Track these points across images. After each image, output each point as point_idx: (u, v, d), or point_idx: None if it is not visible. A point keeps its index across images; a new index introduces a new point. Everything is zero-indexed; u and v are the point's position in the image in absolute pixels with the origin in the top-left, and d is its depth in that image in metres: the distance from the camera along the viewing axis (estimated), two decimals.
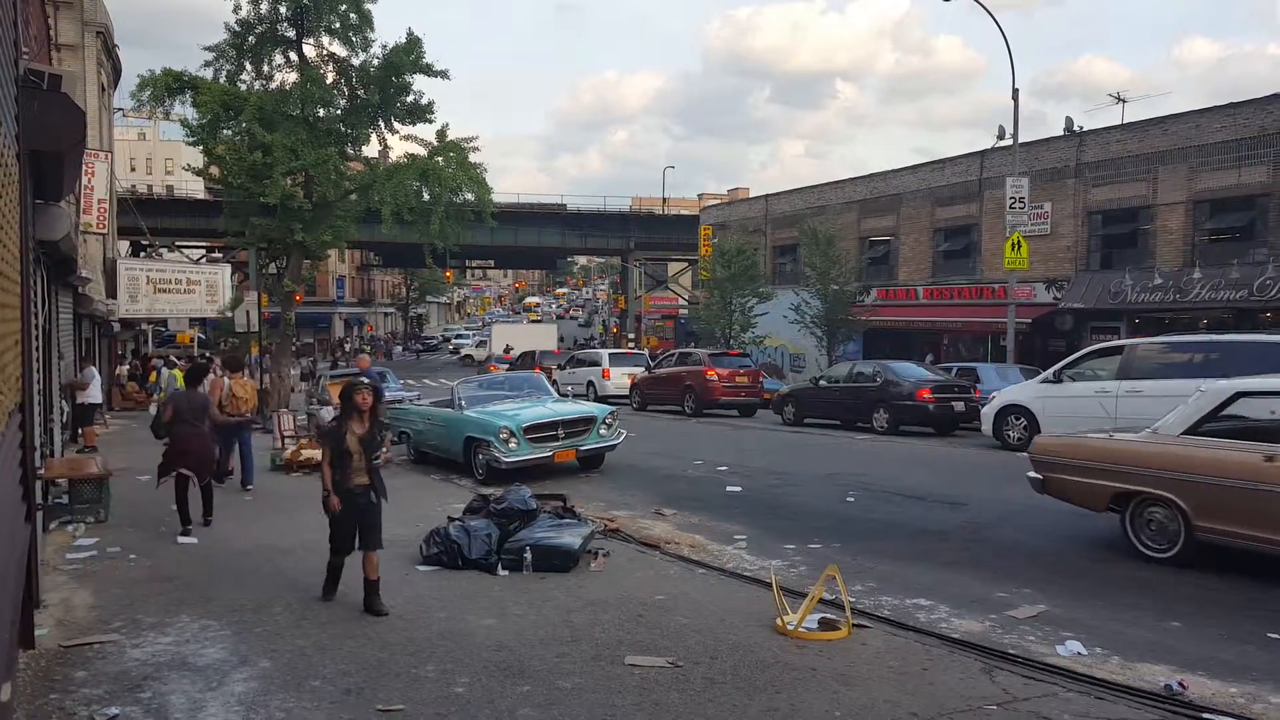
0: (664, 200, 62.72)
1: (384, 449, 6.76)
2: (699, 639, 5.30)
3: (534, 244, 56.45)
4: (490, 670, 4.75)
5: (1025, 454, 8.76)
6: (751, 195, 46.27)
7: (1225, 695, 4.50)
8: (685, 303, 54.47)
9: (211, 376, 12.94)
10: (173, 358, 27.77)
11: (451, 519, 7.57)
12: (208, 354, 31.15)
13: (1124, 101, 36.75)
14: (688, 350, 27.03)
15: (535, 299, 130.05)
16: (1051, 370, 14.23)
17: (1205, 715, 4.20)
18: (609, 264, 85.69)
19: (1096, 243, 26.10)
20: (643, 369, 25.68)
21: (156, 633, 5.55)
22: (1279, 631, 5.40)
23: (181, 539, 8.55)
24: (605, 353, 29.83)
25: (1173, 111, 24.36)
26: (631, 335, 54.80)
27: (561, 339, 54.17)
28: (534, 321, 76.08)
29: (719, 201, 51.61)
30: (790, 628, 5.43)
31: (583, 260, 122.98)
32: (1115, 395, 12.65)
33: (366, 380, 6.90)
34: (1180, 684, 4.59)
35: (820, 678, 4.69)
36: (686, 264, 58.96)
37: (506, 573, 6.86)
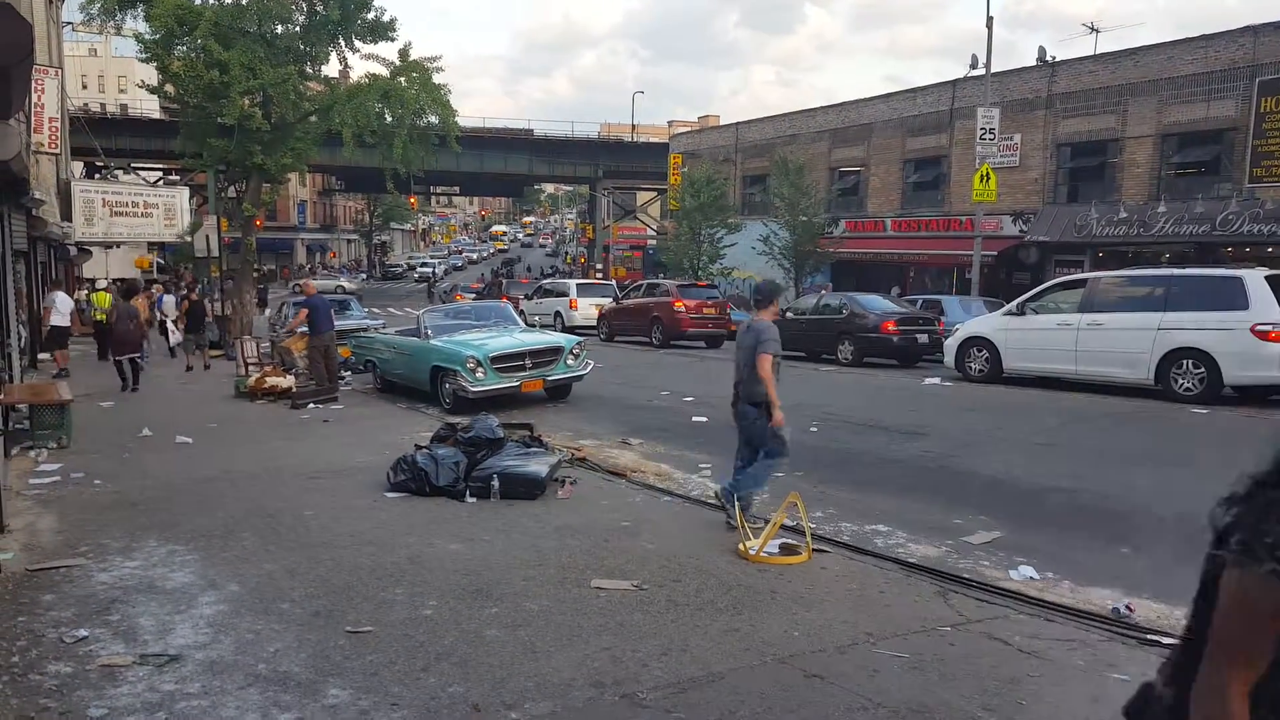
0: (633, 127, 61.65)
1: None
2: (663, 563, 5.40)
3: (500, 170, 55.38)
4: (458, 593, 4.82)
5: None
6: (722, 123, 45.61)
7: (1170, 618, 4.68)
8: (654, 233, 54.03)
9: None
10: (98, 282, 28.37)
11: (419, 447, 7.58)
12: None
13: (1097, 32, 36.65)
14: (655, 281, 26.94)
15: (502, 227, 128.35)
16: (1015, 303, 14.41)
17: (1150, 636, 4.38)
18: (577, 192, 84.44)
19: (1064, 175, 26.19)
20: (610, 300, 25.60)
21: (123, 557, 5.54)
22: None
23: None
24: (573, 283, 29.67)
25: (1144, 43, 24.28)
26: (599, 265, 54.42)
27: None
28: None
29: (689, 129, 50.81)
30: (752, 553, 5.55)
31: (550, 188, 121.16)
32: (1076, 328, 12.86)
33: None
34: (1128, 607, 4.77)
35: (780, 600, 4.82)
36: (655, 193, 58.31)
37: (474, 500, 6.91)
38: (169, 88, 21.56)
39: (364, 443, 9.50)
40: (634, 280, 37.22)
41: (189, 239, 29.85)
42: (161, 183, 45.72)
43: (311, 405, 12.24)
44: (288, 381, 13.03)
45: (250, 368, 14.33)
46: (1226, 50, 22.02)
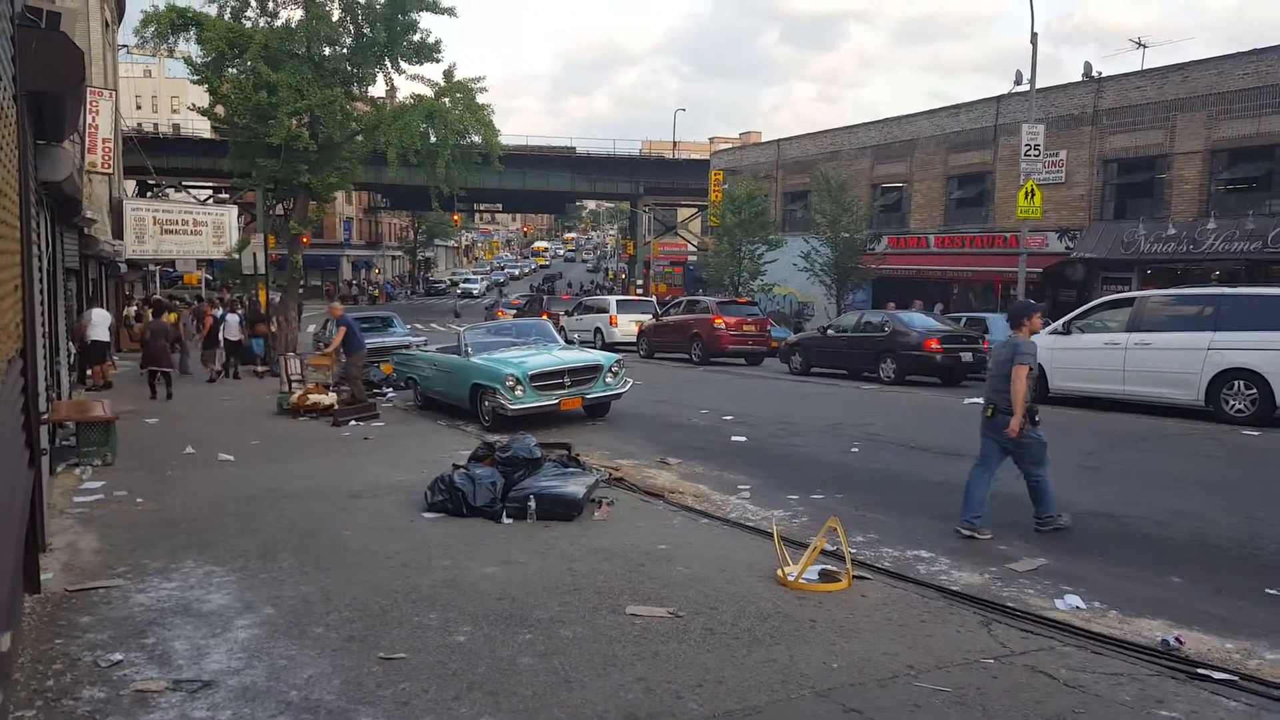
0: (674, 144, 61.81)
1: None
2: (700, 589, 5.34)
3: (542, 188, 55.88)
4: (492, 619, 4.80)
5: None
6: (763, 140, 45.57)
7: (1221, 650, 4.53)
8: (694, 249, 54.03)
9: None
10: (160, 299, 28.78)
11: (456, 466, 7.61)
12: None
13: (1144, 47, 36.03)
14: (695, 298, 26.89)
15: (544, 243, 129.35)
16: (1061, 321, 14.11)
17: (1200, 670, 4.22)
18: (618, 208, 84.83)
19: (1111, 191, 25.69)
20: (650, 316, 25.60)
21: (161, 578, 5.62)
22: (1276, 588, 5.41)
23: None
24: (613, 299, 29.74)
25: (1193, 58, 23.78)
26: (640, 282, 54.53)
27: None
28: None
29: (730, 146, 50.83)
30: (791, 579, 5.47)
31: (592, 205, 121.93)
32: (1124, 348, 12.56)
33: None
34: (1177, 639, 4.61)
35: (819, 629, 4.73)
36: (696, 210, 58.36)
37: (511, 521, 6.91)
38: (219, 109, 22.04)
39: (403, 461, 9.57)
40: (674, 296, 37.24)
41: (237, 256, 30.53)
42: (211, 201, 46.95)
43: (353, 422, 12.39)
44: (330, 399, 13.20)
45: (294, 384, 14.54)
46: (1278, 65, 21.48)
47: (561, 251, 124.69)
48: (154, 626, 4.76)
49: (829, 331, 20.13)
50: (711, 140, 59.24)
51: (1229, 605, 5.19)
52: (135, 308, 30.17)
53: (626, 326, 26.03)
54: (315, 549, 6.28)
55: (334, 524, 6.95)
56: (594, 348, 23.11)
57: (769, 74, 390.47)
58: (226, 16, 20.40)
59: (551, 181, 55.16)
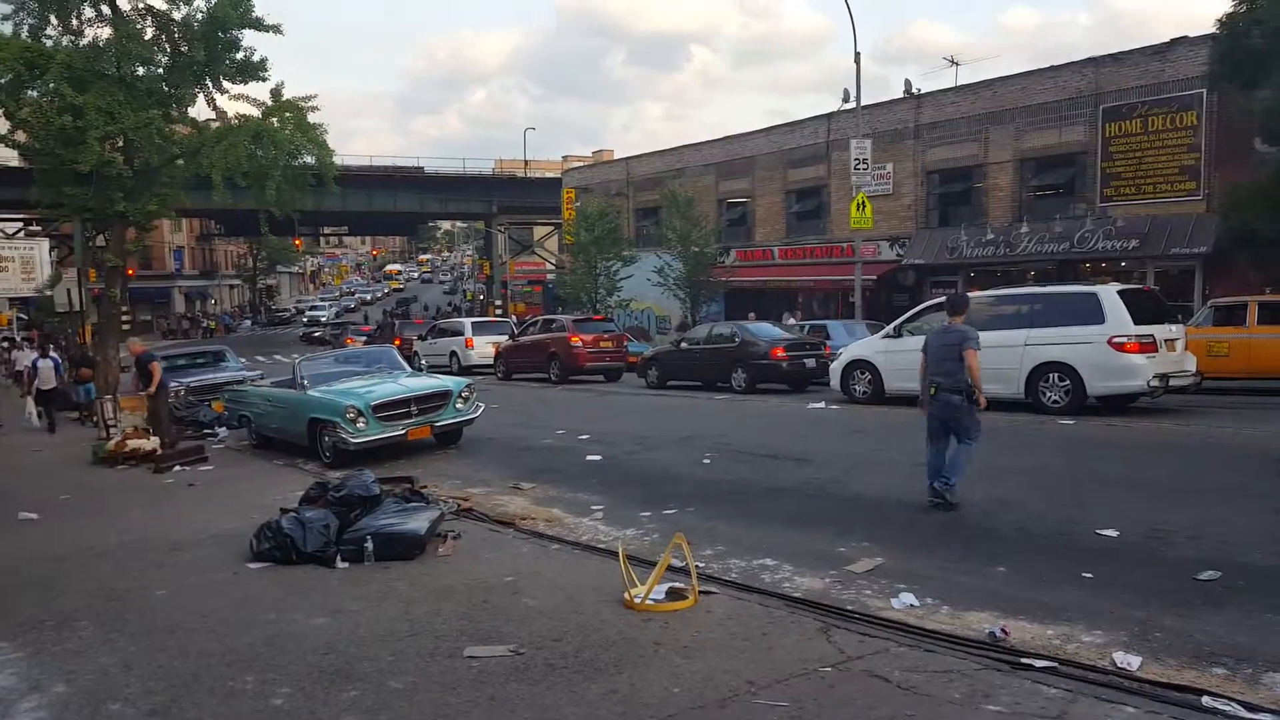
0: (525, 163, 61.56)
1: None
2: (545, 621, 5.17)
3: (390, 209, 54.35)
4: (316, 676, 4.46)
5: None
6: (615, 158, 46.03)
7: (1043, 638, 4.74)
8: (553, 267, 53.86)
9: None
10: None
11: (284, 511, 7.14)
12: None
13: (957, 65, 38.57)
14: (551, 317, 26.72)
15: (397, 266, 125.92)
16: (892, 325, 14.80)
17: (1024, 660, 4.40)
18: (473, 228, 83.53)
19: (935, 201, 27.34)
20: (507, 337, 25.23)
21: None
22: (1091, 571, 5.74)
23: None
24: (468, 321, 29.17)
25: (1001, 75, 25.67)
26: (498, 302, 53.83)
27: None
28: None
29: (582, 164, 51.11)
30: (638, 601, 5.38)
31: (447, 225, 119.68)
32: None
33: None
34: (1003, 630, 4.81)
35: (663, 652, 4.65)
36: (552, 228, 58.22)
37: (346, 565, 6.52)
38: (19, 135, 20.24)
39: (232, 507, 8.93)
40: (534, 316, 36.98)
41: (49, 292, 28.09)
42: (22, 234, 43.04)
43: (177, 468, 11.51)
44: (151, 444, 12.23)
45: (111, 430, 13.41)
46: (1073, 80, 23.48)
47: (417, 274, 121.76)
48: None
49: (683, 344, 20.40)
50: (565, 159, 59.42)
51: (1050, 591, 5.47)
52: None
53: (483, 348, 25.56)
54: (123, 613, 5.71)
55: (147, 583, 6.37)
56: (450, 372, 22.58)
57: (618, 93, 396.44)
58: (24, 35, 18.76)
59: (400, 202, 53.74)
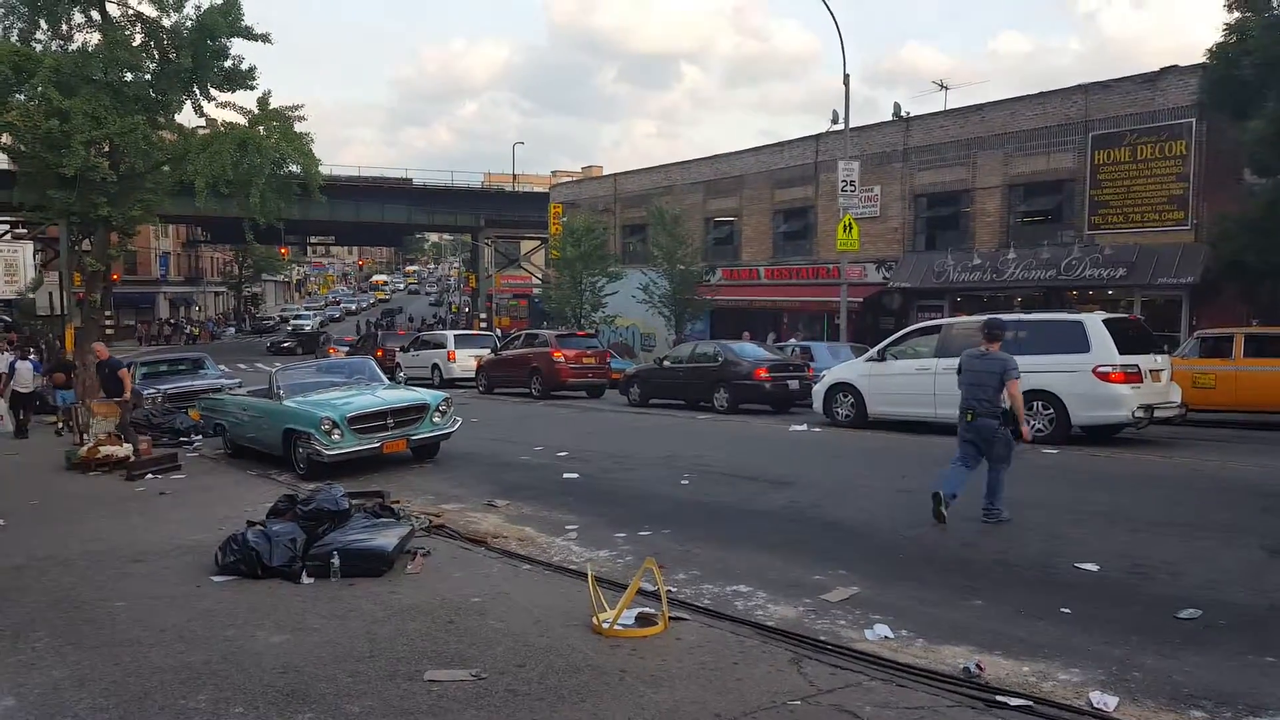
0: (514, 177, 61.60)
1: None
2: (510, 645, 5.05)
3: (377, 219, 54.22)
4: (270, 696, 4.32)
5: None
6: (604, 174, 46.11)
7: (1018, 674, 4.65)
8: (539, 282, 53.82)
9: None
10: None
11: (251, 523, 6.98)
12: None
13: (946, 89, 38.78)
14: (534, 331, 26.63)
15: (383, 277, 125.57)
16: (876, 349, 14.78)
17: (999, 698, 4.31)
18: (460, 241, 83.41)
19: (922, 224, 27.45)
20: (489, 351, 25.10)
21: None
22: (1070, 606, 5.67)
23: None
24: (450, 334, 29.04)
25: (990, 99, 25.86)
26: (483, 315, 53.69)
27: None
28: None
29: (569, 179, 51.20)
30: (606, 626, 5.27)
31: (434, 237, 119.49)
32: (934, 372, 13.24)
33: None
34: (978, 665, 4.71)
35: (628, 681, 4.54)
36: (539, 242, 58.19)
37: (312, 580, 6.37)
38: (4, 137, 20.11)
39: (202, 518, 8.76)
40: (519, 329, 36.83)
41: (31, 295, 27.81)
42: (9, 236, 42.64)
43: (149, 476, 11.32)
44: (124, 450, 12.03)
45: (84, 436, 13.20)
46: (1062, 106, 23.66)
47: (403, 285, 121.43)
48: None
49: (665, 363, 20.34)
50: (554, 173, 59.56)
51: (1027, 626, 5.38)
52: None
53: (465, 361, 25.43)
54: (80, 625, 5.55)
55: (108, 594, 6.21)
56: (432, 385, 22.41)
57: (609, 110, 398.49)
58: (14, 39, 18.69)
59: (387, 213, 53.63)
